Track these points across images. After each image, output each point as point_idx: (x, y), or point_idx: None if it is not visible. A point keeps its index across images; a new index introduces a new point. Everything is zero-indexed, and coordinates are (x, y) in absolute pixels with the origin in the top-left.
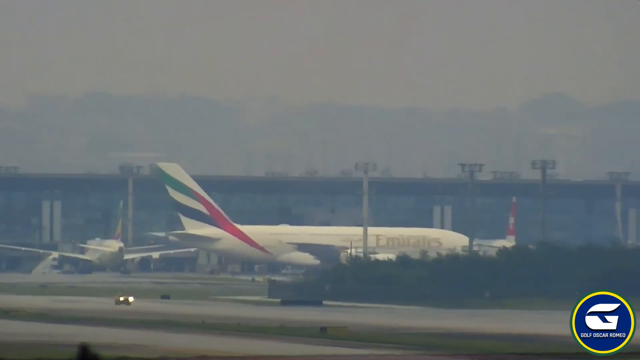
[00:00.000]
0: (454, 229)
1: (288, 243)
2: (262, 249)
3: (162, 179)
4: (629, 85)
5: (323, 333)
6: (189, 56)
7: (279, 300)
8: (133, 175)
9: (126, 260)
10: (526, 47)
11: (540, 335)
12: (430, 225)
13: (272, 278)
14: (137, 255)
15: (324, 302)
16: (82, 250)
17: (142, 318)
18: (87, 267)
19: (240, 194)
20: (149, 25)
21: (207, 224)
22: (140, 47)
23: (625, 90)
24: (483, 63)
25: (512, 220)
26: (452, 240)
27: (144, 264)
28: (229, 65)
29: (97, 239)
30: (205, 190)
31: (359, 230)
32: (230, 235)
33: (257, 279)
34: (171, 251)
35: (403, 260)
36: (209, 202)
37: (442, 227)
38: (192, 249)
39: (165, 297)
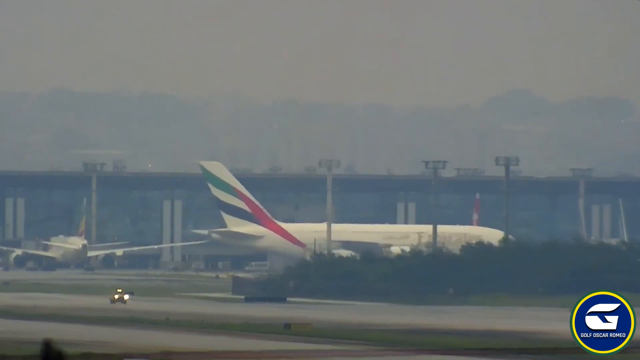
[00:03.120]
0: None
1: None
2: (304, 246)
3: (205, 177)
4: (592, 82)
5: (287, 329)
6: (153, 53)
7: (242, 297)
8: (97, 172)
9: (90, 257)
10: (489, 44)
11: (504, 331)
12: (394, 222)
13: (236, 275)
14: (101, 252)
15: (288, 299)
16: (46, 247)
17: (106, 315)
18: (50, 264)
19: (204, 191)
20: (113, 22)
21: (249, 222)
22: (104, 44)
23: (588, 86)
24: (446, 60)
25: (475, 216)
26: (493, 237)
27: (108, 261)
28: (192, 62)
29: (61, 236)
30: (169, 188)
31: (401, 227)
32: (273, 233)
33: (221, 275)
34: (135, 248)
35: (366, 257)
36: (251, 200)
37: (406, 223)
38: (156, 246)
39: (129, 293)
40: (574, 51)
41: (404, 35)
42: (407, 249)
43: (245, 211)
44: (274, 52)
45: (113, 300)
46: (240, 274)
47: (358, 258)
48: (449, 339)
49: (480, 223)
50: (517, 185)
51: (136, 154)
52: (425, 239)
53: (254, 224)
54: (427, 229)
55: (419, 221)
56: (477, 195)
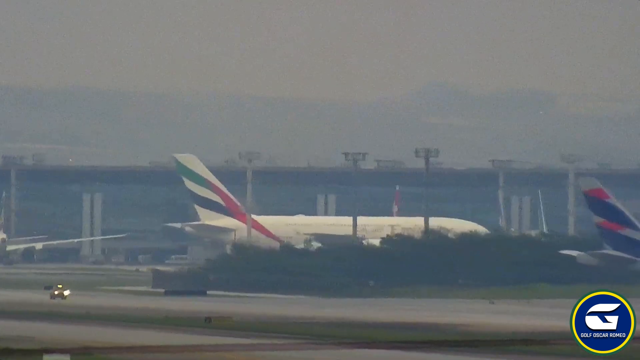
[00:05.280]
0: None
1: (305, 234)
2: (277, 239)
3: (178, 170)
4: (510, 74)
5: (208, 323)
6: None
7: (162, 290)
8: (16, 165)
9: (9, 251)
10: (410, 37)
11: (424, 323)
12: (314, 213)
13: (156, 268)
14: (21, 246)
15: (209, 292)
16: None
17: (26, 309)
18: None
19: (125, 184)
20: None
21: (223, 215)
22: (50, 41)
23: (508, 78)
24: (367, 53)
25: (395, 208)
26: (468, 229)
27: (28, 255)
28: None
29: None
30: (89, 181)
31: (375, 220)
32: (246, 226)
33: (141, 269)
34: (54, 242)
35: (288, 249)
36: (225, 194)
37: (326, 215)
38: (75, 240)
39: (49, 288)
40: (494, 44)
41: (326, 30)
42: (377, 242)
43: (220, 204)
44: (196, 46)
45: (53, 296)
46: (161, 267)
47: (278, 250)
48: (369, 332)
49: (401, 215)
50: (437, 176)
51: (56, 148)
52: (398, 232)
53: (228, 217)
54: (401, 221)
55: (338, 213)
56: (397, 187)
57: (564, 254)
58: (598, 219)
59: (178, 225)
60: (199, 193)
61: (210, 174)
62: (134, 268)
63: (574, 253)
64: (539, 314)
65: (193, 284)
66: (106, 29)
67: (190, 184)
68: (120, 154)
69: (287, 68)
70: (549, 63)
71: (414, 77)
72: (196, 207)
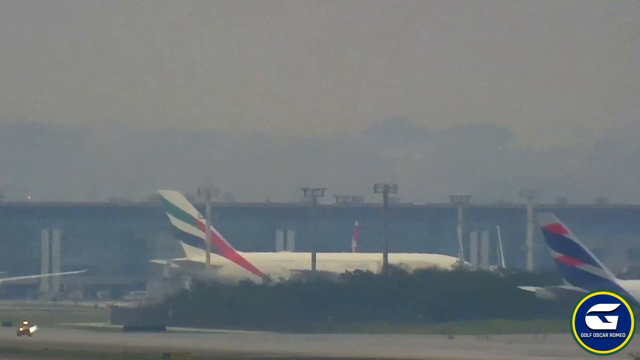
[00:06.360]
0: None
1: (291, 270)
2: (264, 275)
3: (163, 206)
4: (469, 109)
5: (167, 359)
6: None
7: (121, 326)
8: None
9: None
10: (365, 70)
11: (385, 358)
12: (273, 250)
13: (115, 304)
14: None
15: (168, 328)
16: None
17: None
18: None
19: (84, 219)
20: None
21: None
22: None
23: (465, 113)
24: (325, 87)
25: (354, 244)
26: (448, 264)
27: None
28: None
29: None
30: (48, 217)
31: (361, 256)
32: (232, 263)
33: (100, 305)
34: (12, 279)
35: (246, 285)
36: (211, 230)
37: (285, 251)
38: (34, 276)
39: (7, 324)
40: (451, 78)
41: (281, 62)
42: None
43: (204, 240)
44: (153, 79)
45: (19, 333)
46: (119, 303)
47: (237, 285)
48: None
49: (360, 250)
50: (396, 212)
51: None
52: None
53: (214, 254)
54: (380, 257)
55: (298, 249)
56: (356, 223)
57: (522, 289)
58: (556, 254)
59: (164, 261)
60: (184, 229)
61: (195, 210)
62: (92, 304)
63: (532, 288)
64: (498, 349)
65: (152, 319)
66: (63, 61)
67: (175, 221)
68: (78, 189)
69: (244, 102)
70: (505, 97)
71: (373, 112)
72: (182, 243)
